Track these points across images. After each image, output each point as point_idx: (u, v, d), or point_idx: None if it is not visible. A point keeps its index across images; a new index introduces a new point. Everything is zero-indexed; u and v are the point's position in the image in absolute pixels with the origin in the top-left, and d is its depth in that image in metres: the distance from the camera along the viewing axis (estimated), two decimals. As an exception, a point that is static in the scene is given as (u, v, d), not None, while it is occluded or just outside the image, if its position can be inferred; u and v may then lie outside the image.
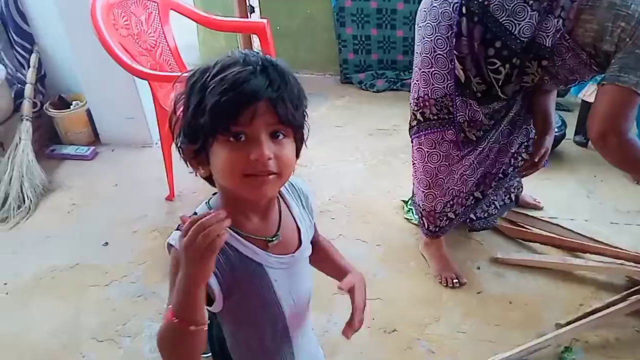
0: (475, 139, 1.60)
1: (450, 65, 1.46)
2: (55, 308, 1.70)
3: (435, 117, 1.55)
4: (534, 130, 1.80)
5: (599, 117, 1.34)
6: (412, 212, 1.99)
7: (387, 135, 2.61)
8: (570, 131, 2.45)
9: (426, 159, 1.63)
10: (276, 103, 0.67)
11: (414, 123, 1.62)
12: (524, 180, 1.93)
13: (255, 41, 2.75)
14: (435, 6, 1.44)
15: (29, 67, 2.38)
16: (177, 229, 0.75)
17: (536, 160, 1.63)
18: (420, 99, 1.56)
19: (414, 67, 1.58)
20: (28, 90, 2.33)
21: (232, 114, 0.65)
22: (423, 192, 1.70)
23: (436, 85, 1.51)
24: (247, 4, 2.81)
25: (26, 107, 2.31)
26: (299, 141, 0.76)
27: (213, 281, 0.73)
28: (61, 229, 2.06)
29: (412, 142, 1.68)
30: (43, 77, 2.48)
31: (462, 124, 1.55)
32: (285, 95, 0.68)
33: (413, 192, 1.84)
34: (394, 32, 2.97)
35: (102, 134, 2.56)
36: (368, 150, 2.48)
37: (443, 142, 1.58)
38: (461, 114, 1.53)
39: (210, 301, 0.75)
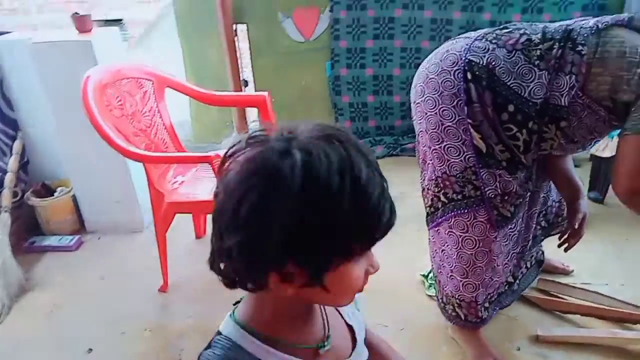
0: (510, 215, 1.42)
1: (463, 136, 1.32)
2: None
3: (460, 197, 1.39)
4: (551, 197, 1.68)
5: (627, 172, 1.24)
6: (434, 288, 1.80)
7: (393, 204, 2.46)
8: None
9: (460, 245, 1.43)
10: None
11: (439, 205, 1.44)
12: (544, 242, 1.76)
13: (250, 115, 2.67)
14: (432, 78, 1.33)
15: (11, 154, 2.22)
16: (207, 347, 0.61)
17: (576, 226, 1.48)
18: (439, 178, 1.40)
19: (420, 147, 1.45)
20: (9, 178, 2.17)
21: (381, 231, 0.56)
22: (460, 281, 1.49)
23: (452, 160, 1.36)
24: (241, 78, 2.75)
25: (5, 197, 2.13)
26: None
27: None
28: (38, 335, 1.80)
29: (434, 228, 1.50)
30: (26, 164, 2.33)
31: (494, 200, 1.38)
32: None
33: (433, 271, 1.65)
34: (391, 98, 2.93)
35: (88, 221, 2.36)
36: (375, 221, 2.32)
37: (476, 223, 1.40)
38: (490, 188, 1.36)
39: None
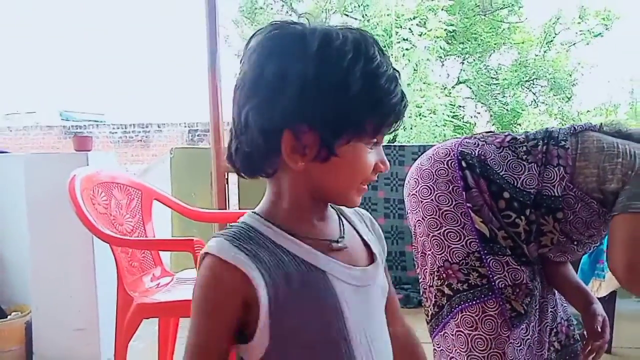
0: (524, 310, 1.30)
1: (462, 220, 1.30)
2: None
3: (466, 286, 1.29)
4: (559, 314, 1.58)
5: (621, 249, 1.22)
6: None
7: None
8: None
9: (470, 346, 1.26)
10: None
11: (444, 302, 1.32)
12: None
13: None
14: (426, 169, 1.37)
15: (-29, 270, 2.07)
16: (215, 236, 0.62)
17: (599, 329, 1.35)
18: (441, 268, 1.31)
19: (418, 239, 1.40)
20: (-39, 296, 1.97)
21: (394, 120, 0.62)
22: None
23: (453, 246, 1.30)
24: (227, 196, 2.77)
25: (-49, 315, 1.90)
26: None
27: (261, 290, 0.57)
28: None
29: (440, 332, 1.35)
30: (-16, 285, 2.15)
31: (505, 290, 1.27)
32: None
33: None
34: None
35: (38, 353, 2.08)
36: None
37: (486, 318, 1.26)
38: (499, 277, 1.27)
39: (242, 336, 0.60)
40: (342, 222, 0.70)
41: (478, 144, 1.34)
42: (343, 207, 0.71)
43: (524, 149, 1.31)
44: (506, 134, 1.39)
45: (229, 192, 2.95)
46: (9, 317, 2.08)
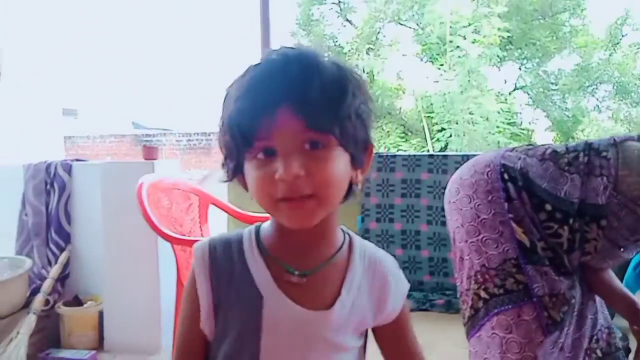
0: (560, 319, 1.32)
1: (500, 229, 1.35)
2: None
3: (502, 291, 1.34)
4: (599, 321, 1.59)
5: None
6: None
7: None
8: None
9: (504, 348, 1.30)
10: (300, 107, 0.55)
11: (480, 305, 1.37)
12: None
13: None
14: (467, 179, 1.43)
15: (56, 264, 2.36)
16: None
17: None
18: (478, 273, 1.37)
19: (456, 245, 1.46)
20: (46, 284, 2.26)
21: (248, 126, 0.57)
22: None
23: (490, 253, 1.35)
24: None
25: (38, 301, 2.19)
26: (356, 149, 0.63)
27: (203, 288, 0.66)
28: None
29: (476, 335, 1.39)
30: (65, 277, 2.44)
31: (542, 299, 1.31)
32: (313, 96, 0.55)
33: None
34: (419, 252, 2.99)
35: (108, 338, 2.34)
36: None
37: (521, 322, 1.30)
38: (537, 285, 1.31)
39: None
40: (333, 259, 0.67)
41: (520, 157, 1.38)
42: (361, 247, 0.72)
43: (565, 160, 1.34)
44: (546, 147, 1.40)
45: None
46: (84, 305, 2.35)
